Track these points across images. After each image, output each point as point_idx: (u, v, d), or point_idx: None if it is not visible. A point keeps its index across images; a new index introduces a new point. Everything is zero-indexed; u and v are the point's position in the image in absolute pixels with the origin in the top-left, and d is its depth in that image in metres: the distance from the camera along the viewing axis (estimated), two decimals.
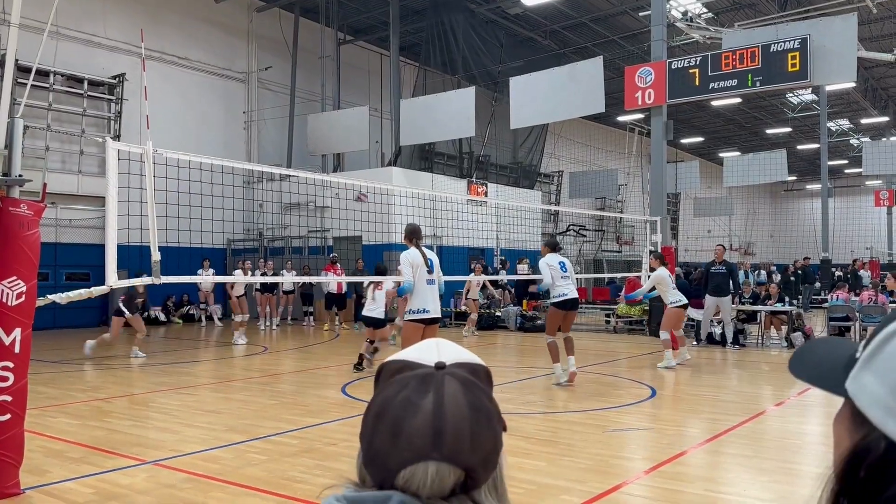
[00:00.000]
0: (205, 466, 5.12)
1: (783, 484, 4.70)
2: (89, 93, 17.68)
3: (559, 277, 8.55)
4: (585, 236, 28.45)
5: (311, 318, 18.41)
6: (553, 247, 9.00)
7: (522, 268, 17.82)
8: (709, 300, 12.60)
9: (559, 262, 8.68)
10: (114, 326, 11.55)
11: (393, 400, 0.81)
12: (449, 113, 17.42)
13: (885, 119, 29.13)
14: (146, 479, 4.83)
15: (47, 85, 16.69)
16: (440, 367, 0.82)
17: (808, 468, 5.21)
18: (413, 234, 7.24)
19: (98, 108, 18.16)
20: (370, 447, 0.82)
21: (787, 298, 14.36)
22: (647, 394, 8.09)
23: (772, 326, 13.93)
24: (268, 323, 17.21)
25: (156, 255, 5.74)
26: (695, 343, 12.99)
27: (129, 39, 18.40)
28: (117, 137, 17.29)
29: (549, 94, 15.20)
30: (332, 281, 15.54)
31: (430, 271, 7.11)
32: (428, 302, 7.04)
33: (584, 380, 8.92)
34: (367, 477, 0.82)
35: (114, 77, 18.12)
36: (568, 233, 28.05)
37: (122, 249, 5.98)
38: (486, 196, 20.01)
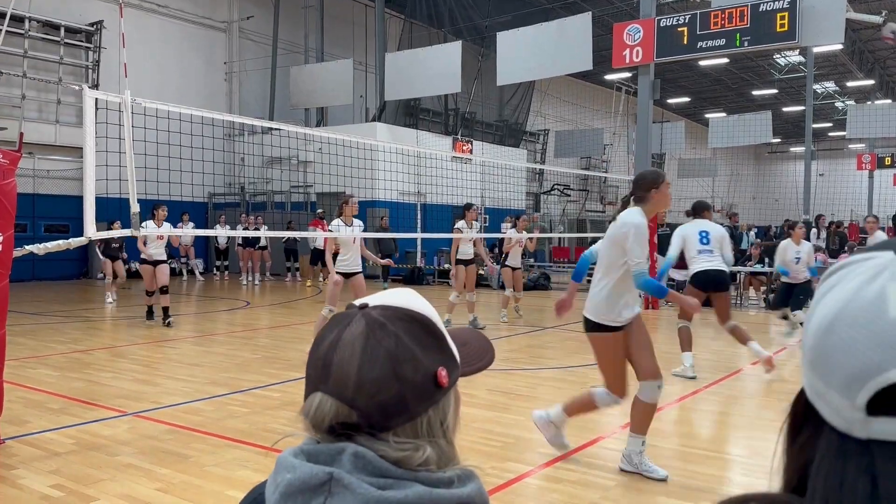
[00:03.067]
0: (186, 418, 5.14)
1: (757, 440, 4.81)
2: (66, 40, 17.21)
3: (695, 250, 6.98)
4: (570, 196, 28.46)
5: (297, 273, 18.36)
6: (696, 211, 7.33)
7: (506, 226, 17.81)
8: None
9: (699, 232, 7.03)
10: (105, 269, 12.61)
11: (315, 340, 0.85)
12: (435, 68, 17.16)
13: (870, 82, 29.12)
14: (127, 431, 4.84)
15: (22, 31, 16.21)
16: (361, 307, 0.84)
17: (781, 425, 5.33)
18: None
19: (75, 56, 17.71)
20: None
21: (766, 260, 14.52)
22: None
23: (751, 287, 14.11)
24: (250, 278, 17.16)
25: (135, 207, 5.66)
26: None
27: None
28: (95, 87, 16.92)
29: (537, 51, 14.99)
30: (319, 236, 15.36)
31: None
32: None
33: (565, 337, 9.00)
34: None
35: (91, 24, 17.64)
36: (552, 192, 28.03)
37: (100, 201, 5.88)
38: (472, 154, 19.88)
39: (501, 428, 4.95)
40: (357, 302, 0.85)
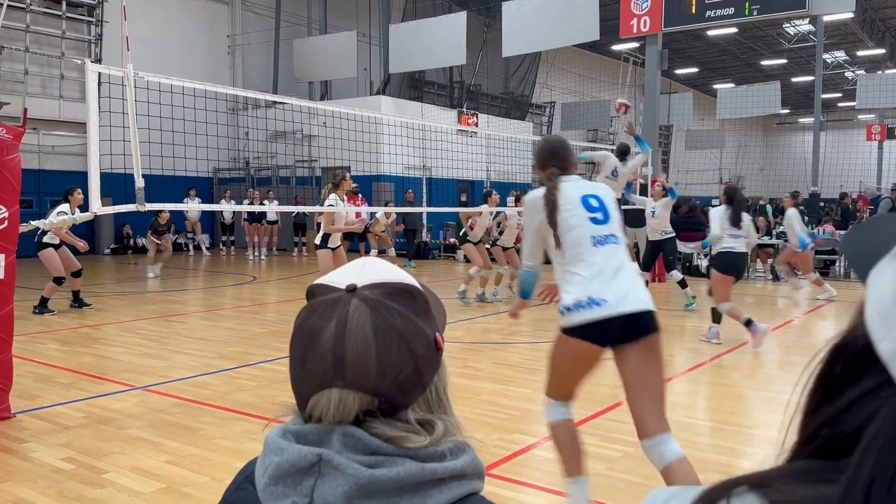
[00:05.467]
0: (195, 392, 5.18)
1: (763, 412, 4.82)
2: (68, 14, 17.08)
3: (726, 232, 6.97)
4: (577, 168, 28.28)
5: (304, 248, 18.37)
6: (729, 197, 7.16)
7: (511, 200, 17.75)
8: (627, 232, 13.39)
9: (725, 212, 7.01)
10: (151, 245, 13.28)
11: (301, 327, 0.80)
12: (439, 39, 16.97)
13: (881, 51, 28.70)
14: (136, 405, 4.89)
15: (24, 6, 16.09)
16: (350, 289, 0.80)
17: (789, 397, 5.33)
18: None
19: (78, 30, 17.58)
20: (290, 375, 0.81)
21: (773, 232, 14.45)
22: None
23: (758, 259, 14.06)
24: (256, 253, 17.19)
25: (139, 182, 5.64)
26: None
27: None
28: (98, 61, 16.82)
29: (543, 21, 14.80)
30: (351, 211, 15.19)
31: None
32: None
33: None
34: None
35: None
36: None
37: (106, 177, 5.87)
38: (477, 127, 19.74)
39: (508, 400, 4.97)
40: (343, 284, 0.80)
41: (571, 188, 3.01)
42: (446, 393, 0.83)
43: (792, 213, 9.98)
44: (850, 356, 0.52)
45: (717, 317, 7.08)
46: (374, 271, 0.83)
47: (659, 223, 9.38)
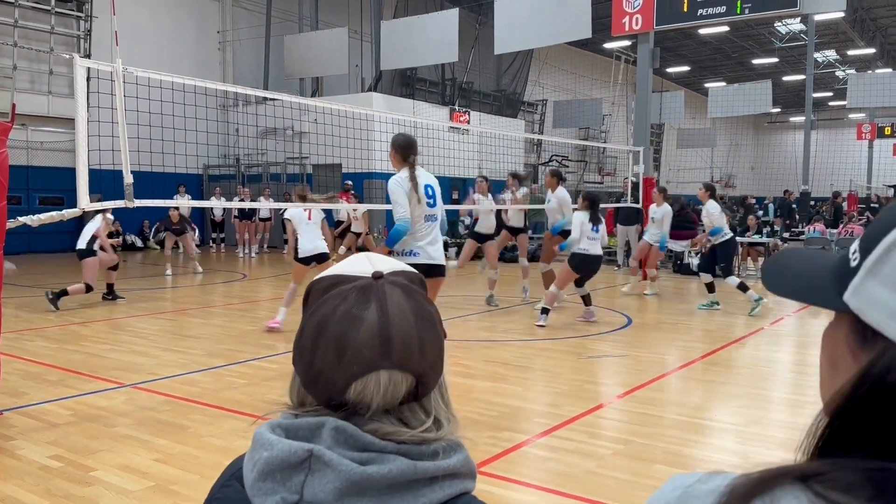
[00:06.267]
0: (184, 389, 5.15)
1: (754, 409, 4.83)
2: (57, 9, 16.95)
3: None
4: (568, 167, 28.33)
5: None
6: (590, 202, 7.83)
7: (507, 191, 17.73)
8: (619, 229, 13.57)
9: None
10: (168, 242, 13.31)
11: (332, 316, 0.78)
12: (431, 36, 16.94)
13: (871, 51, 28.83)
14: (125, 402, 4.85)
15: (12, 0, 15.95)
16: (378, 276, 0.80)
17: (779, 394, 5.35)
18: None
19: (66, 25, 17.45)
20: (310, 368, 0.79)
21: (764, 231, 14.50)
22: (623, 322, 8.20)
23: (748, 258, 14.11)
24: (246, 251, 17.12)
25: (128, 178, 5.59)
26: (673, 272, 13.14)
27: None
28: (87, 56, 16.69)
29: (535, 18, 14.80)
30: (343, 209, 14.99)
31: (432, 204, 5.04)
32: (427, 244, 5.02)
33: (561, 309, 9.00)
34: (310, 398, 0.80)
35: None
36: (551, 163, 27.89)
37: (95, 173, 5.81)
38: (469, 124, 19.71)
39: (499, 398, 4.96)
40: (361, 273, 0.81)
41: (421, 176, 4.86)
42: (445, 381, 0.84)
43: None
44: (893, 382, 0.50)
45: (588, 300, 7.99)
46: (384, 261, 0.84)
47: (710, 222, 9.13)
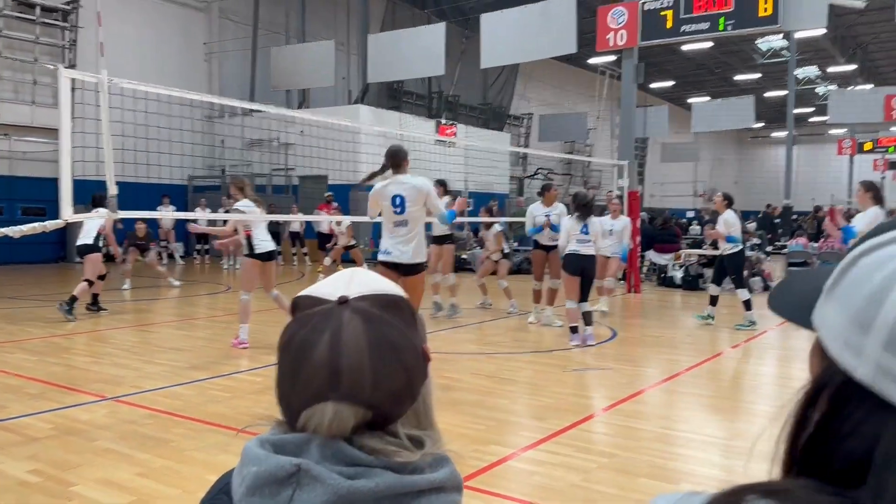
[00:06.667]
0: (167, 403, 5.09)
1: (737, 422, 4.85)
2: (42, 19, 16.87)
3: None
4: (553, 180, 28.48)
5: (279, 257, 18.20)
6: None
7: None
8: None
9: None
10: (129, 257, 12.17)
11: (292, 340, 0.79)
12: (418, 50, 17.02)
13: (852, 67, 29.30)
14: (106, 416, 4.79)
15: None
16: (342, 301, 0.79)
17: (763, 408, 5.38)
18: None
19: (51, 35, 17.36)
20: (277, 387, 0.80)
21: (747, 244, 14.62)
22: (608, 335, 8.23)
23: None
24: (231, 262, 17.02)
25: (112, 190, 5.57)
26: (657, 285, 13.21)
27: None
28: (72, 67, 16.61)
29: (521, 33, 14.90)
30: (325, 221, 14.82)
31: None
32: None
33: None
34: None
35: (67, 3, 17.29)
36: (536, 176, 28.03)
37: (78, 183, 5.78)
38: (455, 137, 19.79)
39: (485, 411, 4.96)
40: (332, 296, 0.80)
41: (393, 186, 5.56)
42: (431, 404, 0.83)
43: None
44: (833, 394, 0.54)
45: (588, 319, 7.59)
46: (363, 283, 0.82)
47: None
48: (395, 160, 5.63)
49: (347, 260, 13.45)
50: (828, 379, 0.54)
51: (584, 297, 7.59)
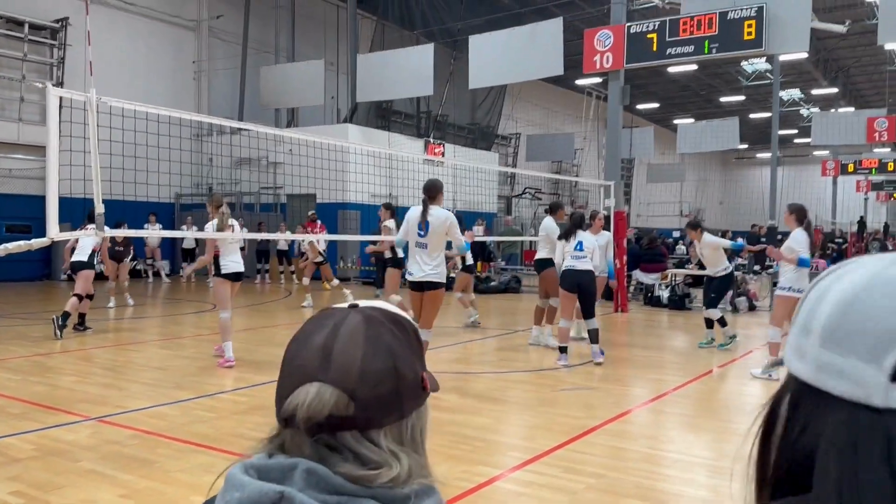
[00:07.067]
0: (151, 423, 5.05)
1: (724, 442, 4.86)
2: (30, 37, 16.85)
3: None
4: (541, 199, 28.63)
5: (266, 275, 18.16)
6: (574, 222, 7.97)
7: (479, 230, 17.85)
8: None
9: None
10: (108, 271, 11.99)
11: (300, 332, 0.83)
12: (407, 70, 17.13)
13: (834, 90, 29.73)
14: (90, 436, 4.74)
15: None
16: (352, 307, 0.84)
17: (747, 427, 5.39)
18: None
19: (40, 53, 17.34)
20: (277, 384, 0.82)
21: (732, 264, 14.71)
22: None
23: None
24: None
25: (99, 208, 5.55)
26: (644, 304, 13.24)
27: None
28: (60, 85, 16.58)
29: (509, 55, 15.05)
30: (314, 239, 14.57)
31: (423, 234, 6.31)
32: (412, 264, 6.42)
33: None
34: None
35: (56, 21, 17.28)
36: (524, 195, 28.17)
37: (65, 201, 5.76)
38: (443, 156, 19.87)
39: (472, 431, 4.94)
40: (345, 304, 0.85)
41: (420, 214, 6.23)
42: (423, 436, 0.84)
43: (800, 234, 9.27)
44: (788, 402, 0.60)
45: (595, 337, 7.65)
46: (378, 303, 0.87)
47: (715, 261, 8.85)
48: (431, 193, 6.33)
49: (317, 277, 13.32)
50: (783, 391, 0.60)
51: (588, 313, 7.57)
